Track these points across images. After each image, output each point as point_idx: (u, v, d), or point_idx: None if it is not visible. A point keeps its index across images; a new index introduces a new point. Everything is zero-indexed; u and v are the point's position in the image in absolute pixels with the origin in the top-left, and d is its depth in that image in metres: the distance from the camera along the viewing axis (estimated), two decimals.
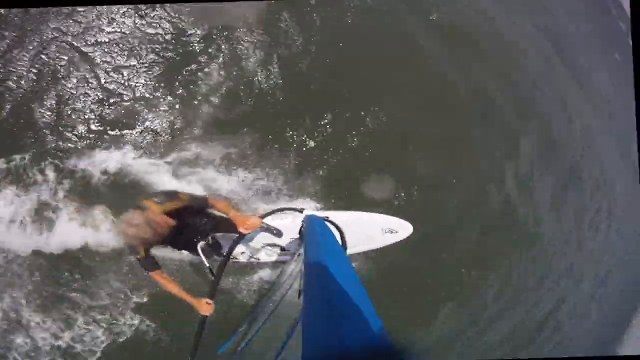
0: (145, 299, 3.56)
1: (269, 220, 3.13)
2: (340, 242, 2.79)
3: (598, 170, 7.18)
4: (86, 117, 3.69)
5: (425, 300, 4.61)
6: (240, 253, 3.40)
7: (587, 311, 6.73)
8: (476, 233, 4.97)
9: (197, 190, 3.63)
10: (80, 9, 3.78)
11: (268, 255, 3.46)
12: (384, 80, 4.79)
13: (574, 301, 6.36)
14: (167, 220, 2.31)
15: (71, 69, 3.73)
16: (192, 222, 2.78)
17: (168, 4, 3.99)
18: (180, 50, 4.00)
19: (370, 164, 4.44)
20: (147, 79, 3.87)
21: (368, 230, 3.53)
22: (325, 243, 2.11)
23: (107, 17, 3.87)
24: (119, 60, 3.84)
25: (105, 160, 3.63)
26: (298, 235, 3.17)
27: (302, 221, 3.07)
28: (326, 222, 2.91)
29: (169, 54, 3.97)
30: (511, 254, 5.36)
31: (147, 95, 3.85)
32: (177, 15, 4.03)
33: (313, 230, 2.55)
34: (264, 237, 3.35)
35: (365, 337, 1.16)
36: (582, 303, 6.60)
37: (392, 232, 3.64)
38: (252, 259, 3.47)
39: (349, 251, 3.17)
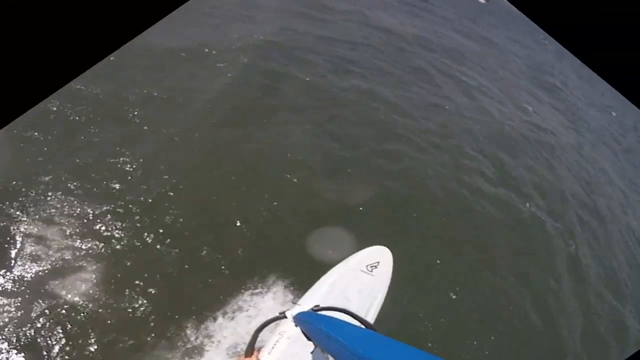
0: None
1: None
2: (355, 321, 2.36)
3: None
4: None
5: None
6: None
7: None
8: None
9: None
10: None
11: None
12: None
13: None
14: None
15: None
16: None
17: None
18: None
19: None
20: None
21: (356, 284, 3.16)
22: (344, 337, 1.70)
23: None
24: None
25: None
26: (309, 341, 2.63)
27: (296, 325, 2.57)
28: (320, 313, 2.47)
29: None
30: None
31: None
32: None
33: (317, 333, 2.10)
34: None
35: None
36: None
37: (375, 267, 3.36)
38: None
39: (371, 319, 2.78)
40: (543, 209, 6.57)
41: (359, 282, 3.16)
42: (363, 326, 2.21)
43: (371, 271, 3.29)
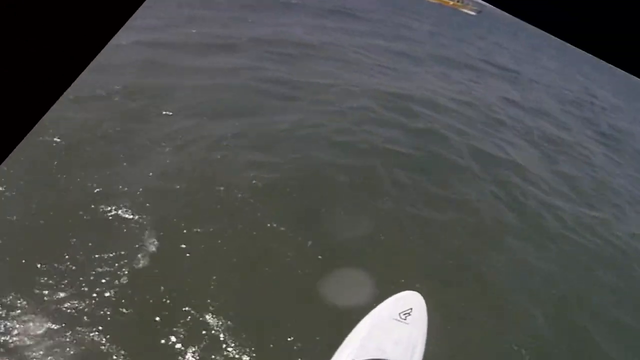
0: None
1: None
2: None
3: None
4: None
5: None
6: None
7: None
8: None
9: None
10: None
11: None
12: None
13: None
14: None
15: None
16: None
17: None
18: None
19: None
20: None
21: (391, 335, 2.95)
22: None
23: None
24: None
25: None
26: None
27: None
28: None
29: None
30: None
31: None
32: None
33: None
34: None
35: None
36: None
37: (409, 314, 3.16)
38: None
39: None
40: None
41: (394, 333, 2.96)
42: None
43: (405, 319, 3.09)
